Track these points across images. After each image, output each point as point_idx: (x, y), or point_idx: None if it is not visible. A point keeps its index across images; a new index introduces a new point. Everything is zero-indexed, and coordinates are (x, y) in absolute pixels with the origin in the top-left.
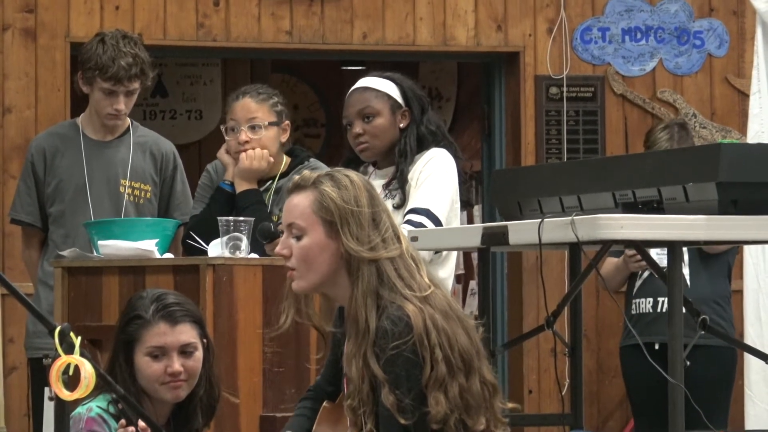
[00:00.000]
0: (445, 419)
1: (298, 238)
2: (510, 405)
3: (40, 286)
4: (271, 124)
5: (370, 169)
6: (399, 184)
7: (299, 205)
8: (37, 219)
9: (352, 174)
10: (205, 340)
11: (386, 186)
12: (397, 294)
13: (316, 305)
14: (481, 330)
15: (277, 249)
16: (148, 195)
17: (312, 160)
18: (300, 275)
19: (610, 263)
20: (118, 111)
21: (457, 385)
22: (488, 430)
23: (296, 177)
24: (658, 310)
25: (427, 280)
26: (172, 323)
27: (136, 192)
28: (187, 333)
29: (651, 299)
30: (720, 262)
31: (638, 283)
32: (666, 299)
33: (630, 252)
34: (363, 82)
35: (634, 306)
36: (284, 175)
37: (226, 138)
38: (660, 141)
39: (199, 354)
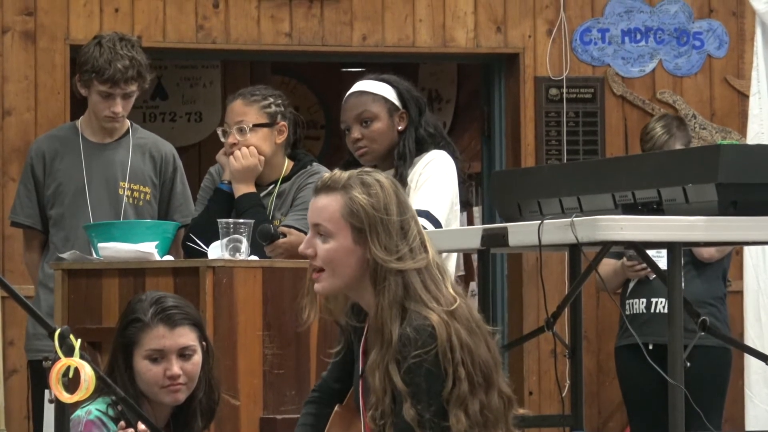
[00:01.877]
0: None
1: (324, 240)
2: (521, 411)
3: (41, 289)
4: (257, 125)
5: None
6: None
7: (328, 207)
8: (38, 222)
9: (382, 178)
10: (204, 343)
11: None
12: (423, 306)
13: (314, 333)
14: (497, 338)
15: (302, 248)
16: (148, 197)
17: (315, 164)
18: (325, 277)
19: (608, 265)
20: (115, 114)
21: (478, 402)
22: None
23: (326, 175)
24: (652, 310)
25: (452, 291)
26: (171, 326)
27: (136, 194)
28: (186, 336)
29: (645, 300)
30: (714, 265)
31: (632, 284)
32: (659, 300)
33: (629, 263)
34: (359, 85)
35: (628, 307)
36: (286, 179)
37: (222, 140)
38: (656, 130)
39: (198, 357)
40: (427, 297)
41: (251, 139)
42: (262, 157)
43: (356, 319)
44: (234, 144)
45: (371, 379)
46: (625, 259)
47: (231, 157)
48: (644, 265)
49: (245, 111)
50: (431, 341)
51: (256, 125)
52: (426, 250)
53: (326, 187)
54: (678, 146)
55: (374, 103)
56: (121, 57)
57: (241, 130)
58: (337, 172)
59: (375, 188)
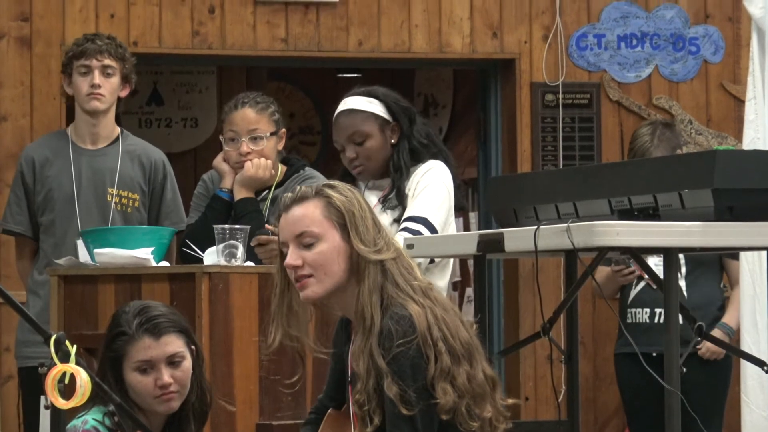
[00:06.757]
0: (454, 407)
1: (310, 246)
2: (510, 401)
3: (29, 295)
4: (271, 134)
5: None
6: (398, 200)
7: (308, 214)
8: (28, 229)
9: (344, 184)
10: (193, 347)
11: (383, 200)
12: (400, 290)
13: (311, 328)
14: (475, 327)
15: (289, 260)
16: (137, 204)
17: (307, 169)
18: (316, 281)
19: (601, 272)
20: (94, 87)
21: (463, 371)
22: (492, 423)
23: (289, 195)
24: (656, 320)
25: (423, 277)
26: (156, 336)
27: (124, 201)
28: (172, 344)
29: (648, 309)
30: (714, 272)
31: (634, 292)
32: (663, 311)
33: (617, 267)
34: (347, 103)
35: (630, 315)
36: (280, 184)
37: (226, 148)
38: (642, 137)
39: (187, 363)
40: (403, 280)
41: (264, 149)
42: (274, 171)
43: (343, 333)
44: (248, 153)
45: (356, 365)
46: (613, 265)
47: (248, 163)
48: (632, 268)
49: (259, 119)
50: (412, 331)
51: (271, 134)
52: (394, 243)
53: (297, 200)
54: (660, 153)
55: (365, 122)
56: (99, 37)
57: (255, 139)
58: (298, 187)
59: (343, 189)
